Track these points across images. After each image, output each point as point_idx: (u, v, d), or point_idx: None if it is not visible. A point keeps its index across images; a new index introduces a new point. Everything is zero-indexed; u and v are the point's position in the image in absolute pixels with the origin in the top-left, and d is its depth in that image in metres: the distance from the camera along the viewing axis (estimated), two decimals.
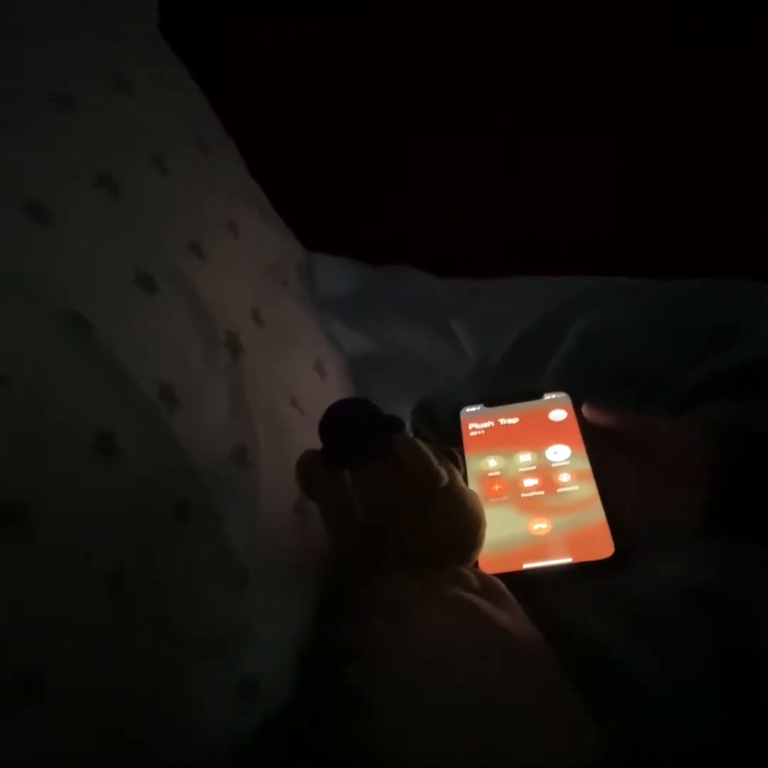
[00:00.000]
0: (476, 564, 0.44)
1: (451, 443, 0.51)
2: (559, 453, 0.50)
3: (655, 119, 0.88)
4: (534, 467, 0.50)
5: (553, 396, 0.55)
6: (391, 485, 0.41)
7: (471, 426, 0.55)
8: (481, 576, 0.42)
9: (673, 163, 0.89)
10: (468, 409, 0.57)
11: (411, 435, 0.44)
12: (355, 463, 0.41)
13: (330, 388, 0.54)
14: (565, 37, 0.87)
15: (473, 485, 0.50)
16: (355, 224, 0.92)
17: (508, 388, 0.60)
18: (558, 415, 0.53)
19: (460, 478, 0.43)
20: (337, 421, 0.42)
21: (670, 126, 0.88)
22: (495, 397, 0.57)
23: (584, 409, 0.51)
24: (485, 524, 0.43)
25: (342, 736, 0.36)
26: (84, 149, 0.47)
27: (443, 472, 0.41)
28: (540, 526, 0.47)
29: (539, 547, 0.46)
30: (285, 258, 0.59)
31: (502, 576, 0.43)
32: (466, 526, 0.42)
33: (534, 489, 0.49)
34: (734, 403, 0.51)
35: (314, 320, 0.58)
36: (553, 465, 0.50)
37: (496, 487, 0.49)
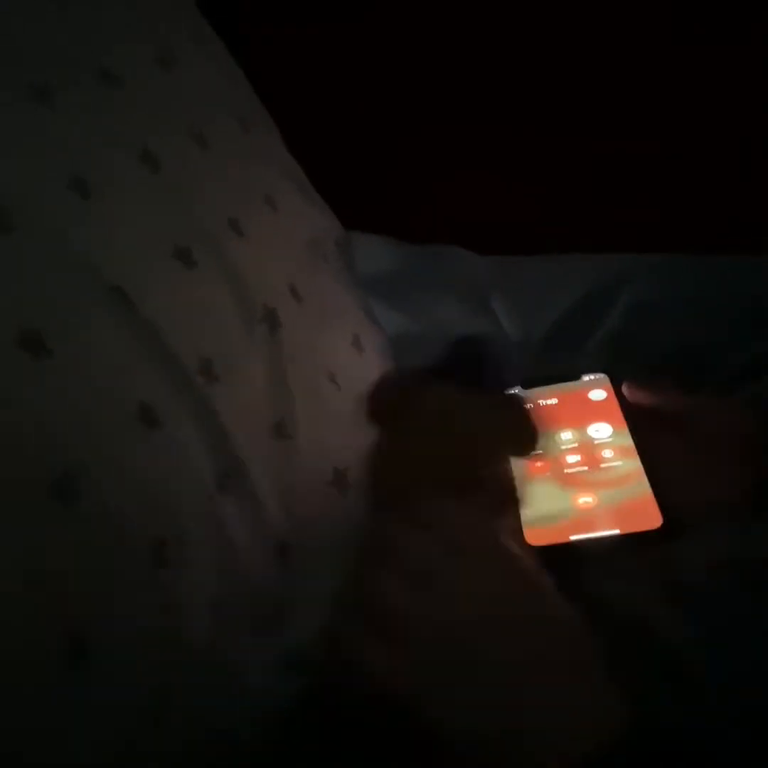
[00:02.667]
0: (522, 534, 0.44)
1: None
2: (600, 431, 0.50)
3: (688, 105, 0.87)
4: (576, 445, 0.49)
5: (592, 377, 0.54)
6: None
7: None
8: None
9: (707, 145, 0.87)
10: (506, 392, 0.56)
11: None
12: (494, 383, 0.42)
13: (367, 364, 0.54)
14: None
15: (515, 464, 0.50)
16: (392, 205, 0.92)
17: (545, 370, 0.59)
18: (598, 394, 0.53)
19: None
20: (471, 347, 0.43)
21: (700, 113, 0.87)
22: (532, 379, 0.56)
23: (624, 389, 0.51)
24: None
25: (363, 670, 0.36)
26: (127, 124, 0.47)
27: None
28: (585, 499, 0.46)
29: (586, 519, 0.45)
30: (323, 234, 0.59)
31: (549, 548, 0.43)
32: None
33: (577, 465, 0.48)
34: None
35: (352, 296, 0.58)
36: (596, 442, 0.49)
37: (539, 464, 0.48)
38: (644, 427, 0.48)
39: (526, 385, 0.55)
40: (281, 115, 0.71)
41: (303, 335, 0.50)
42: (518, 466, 0.48)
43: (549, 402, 0.53)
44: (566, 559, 0.42)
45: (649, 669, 0.36)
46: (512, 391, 0.41)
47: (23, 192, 0.40)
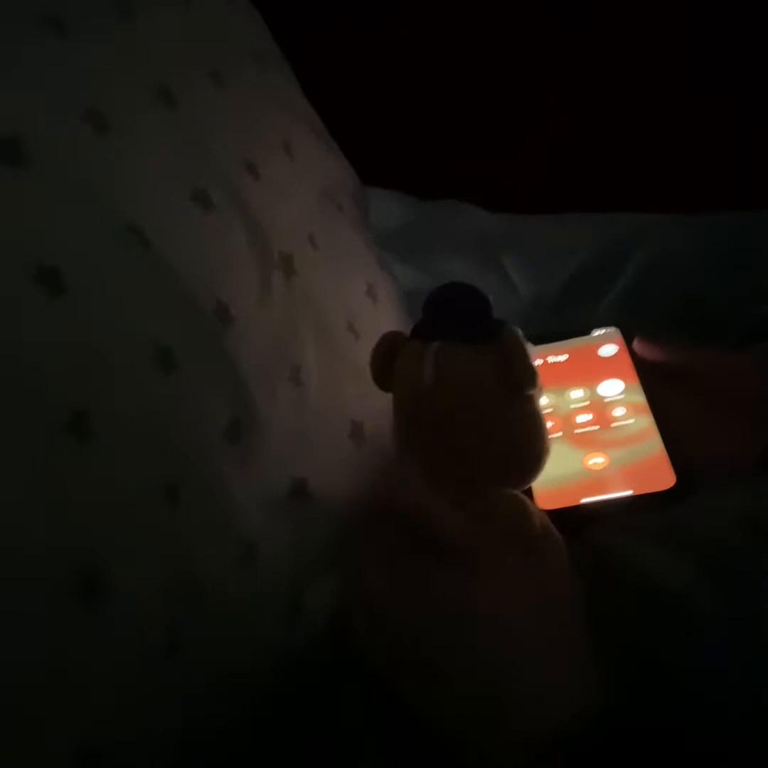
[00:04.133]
0: (531, 497, 0.42)
1: None
2: (611, 388, 0.49)
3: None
4: (587, 403, 0.49)
5: (603, 331, 0.53)
6: (481, 373, 0.38)
7: None
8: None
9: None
10: None
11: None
12: (454, 334, 0.38)
13: (382, 315, 0.54)
14: None
15: None
16: (404, 162, 0.91)
17: (555, 326, 0.58)
18: (609, 350, 0.52)
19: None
20: (446, 295, 0.39)
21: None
22: (542, 334, 0.54)
23: (635, 345, 0.50)
24: (548, 452, 0.40)
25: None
26: (142, 59, 0.46)
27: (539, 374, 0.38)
28: (596, 460, 0.45)
29: (597, 481, 0.44)
30: (340, 183, 0.58)
31: (560, 511, 0.42)
32: (537, 444, 0.39)
33: (588, 424, 0.47)
34: None
35: (367, 246, 0.57)
36: (606, 400, 0.48)
37: (549, 424, 0.48)
38: (656, 383, 0.47)
39: (535, 341, 0.53)
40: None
41: (319, 283, 0.49)
42: None
43: (559, 359, 0.52)
44: (577, 522, 0.41)
45: (656, 621, 0.36)
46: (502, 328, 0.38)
47: (38, 123, 0.38)
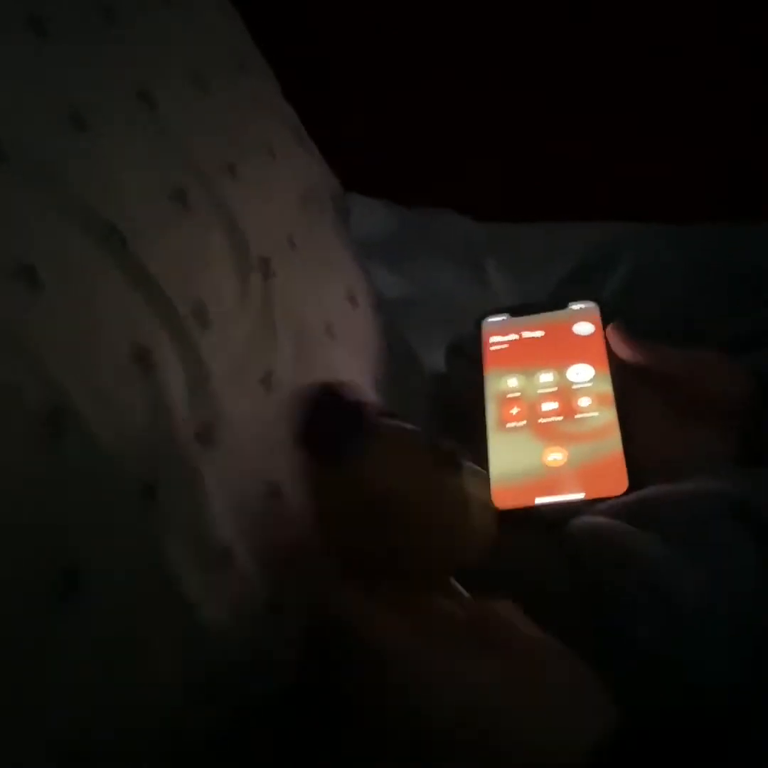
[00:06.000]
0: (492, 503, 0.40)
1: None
2: (581, 374, 0.48)
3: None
4: (555, 389, 0.48)
5: (581, 305, 0.52)
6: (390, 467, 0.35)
7: (492, 339, 0.52)
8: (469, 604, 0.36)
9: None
10: (491, 319, 0.54)
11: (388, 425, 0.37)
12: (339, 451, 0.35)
13: (361, 319, 0.54)
14: None
15: (490, 407, 0.48)
16: (388, 169, 0.91)
17: (536, 300, 0.57)
18: (584, 328, 0.51)
19: (469, 477, 0.37)
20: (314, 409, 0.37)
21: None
22: (521, 306, 0.54)
23: (608, 332, 0.49)
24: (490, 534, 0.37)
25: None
26: (123, 59, 0.46)
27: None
28: (555, 456, 0.45)
29: (552, 480, 0.44)
30: (321, 185, 0.58)
31: (514, 512, 0.42)
32: (469, 526, 0.36)
33: (552, 414, 0.47)
34: None
35: (348, 250, 0.57)
36: (574, 387, 0.48)
37: (514, 411, 0.48)
38: (625, 373, 0.47)
39: (514, 312, 0.54)
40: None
41: (297, 285, 0.49)
42: (492, 412, 0.47)
43: (534, 335, 0.52)
44: (530, 523, 0.42)
45: (642, 610, 0.35)
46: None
47: (15, 121, 0.38)
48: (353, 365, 0.50)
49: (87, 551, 0.34)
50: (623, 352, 0.48)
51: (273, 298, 0.47)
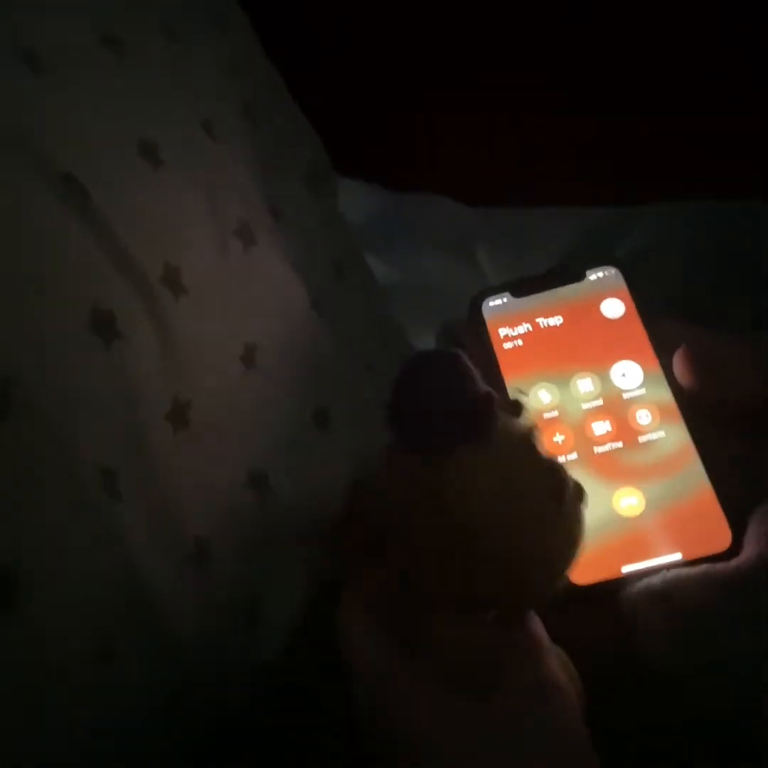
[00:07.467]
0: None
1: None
2: (628, 376, 0.36)
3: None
4: (600, 402, 0.36)
5: (601, 274, 0.39)
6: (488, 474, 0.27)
7: (503, 333, 0.39)
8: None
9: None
10: (492, 303, 0.40)
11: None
12: (445, 442, 0.27)
13: (347, 291, 0.50)
14: None
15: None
16: (376, 152, 0.88)
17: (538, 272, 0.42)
18: (613, 308, 0.38)
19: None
20: (418, 387, 0.28)
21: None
22: (523, 282, 0.41)
23: (676, 362, 0.35)
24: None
25: None
26: (88, 5, 0.42)
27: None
28: (629, 501, 0.34)
29: (636, 536, 0.33)
30: (306, 156, 0.54)
31: (598, 586, 0.32)
32: (565, 544, 0.28)
33: (608, 438, 0.35)
34: None
35: (334, 223, 0.53)
36: (625, 396, 0.36)
37: (559, 439, 0.35)
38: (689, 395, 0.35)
39: (516, 291, 0.40)
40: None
41: (281, 255, 0.45)
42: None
43: (552, 322, 0.39)
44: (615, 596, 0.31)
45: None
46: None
47: None
48: (343, 346, 0.46)
49: (31, 550, 0.30)
50: (695, 383, 0.35)
51: (254, 268, 0.43)
